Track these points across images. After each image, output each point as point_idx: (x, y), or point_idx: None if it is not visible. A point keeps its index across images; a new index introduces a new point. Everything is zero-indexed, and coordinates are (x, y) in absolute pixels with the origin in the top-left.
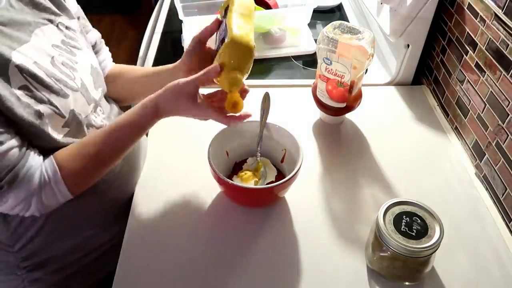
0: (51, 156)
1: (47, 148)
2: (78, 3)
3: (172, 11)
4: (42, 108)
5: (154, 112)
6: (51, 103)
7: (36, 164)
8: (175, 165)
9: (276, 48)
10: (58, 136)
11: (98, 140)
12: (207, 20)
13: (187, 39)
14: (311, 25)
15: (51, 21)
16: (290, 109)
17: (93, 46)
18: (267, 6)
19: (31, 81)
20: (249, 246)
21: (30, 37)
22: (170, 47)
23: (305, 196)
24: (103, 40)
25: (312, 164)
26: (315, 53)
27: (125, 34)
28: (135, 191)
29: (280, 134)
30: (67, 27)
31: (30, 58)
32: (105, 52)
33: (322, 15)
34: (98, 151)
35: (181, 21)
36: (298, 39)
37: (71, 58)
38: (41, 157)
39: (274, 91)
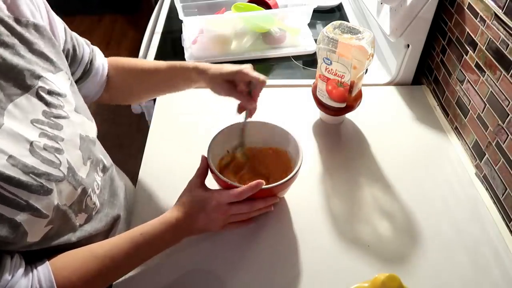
0: (47, 263)
1: (16, 250)
2: (78, 4)
3: (172, 11)
4: (19, 217)
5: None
6: (30, 207)
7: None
8: (175, 165)
9: (276, 48)
10: (36, 238)
11: (110, 255)
12: (207, 20)
13: (187, 39)
14: (311, 25)
15: (28, 88)
16: (290, 109)
17: (90, 62)
18: (267, 6)
19: (3, 186)
20: (249, 246)
21: (1, 118)
22: (170, 47)
23: (305, 196)
24: (94, 47)
25: (312, 164)
26: (315, 53)
27: (125, 34)
28: (136, 190)
29: (280, 135)
30: (49, 92)
31: (2, 152)
32: (100, 57)
33: (322, 15)
34: (107, 268)
35: (181, 21)
36: (298, 39)
37: (56, 136)
38: (21, 269)
39: (274, 91)
